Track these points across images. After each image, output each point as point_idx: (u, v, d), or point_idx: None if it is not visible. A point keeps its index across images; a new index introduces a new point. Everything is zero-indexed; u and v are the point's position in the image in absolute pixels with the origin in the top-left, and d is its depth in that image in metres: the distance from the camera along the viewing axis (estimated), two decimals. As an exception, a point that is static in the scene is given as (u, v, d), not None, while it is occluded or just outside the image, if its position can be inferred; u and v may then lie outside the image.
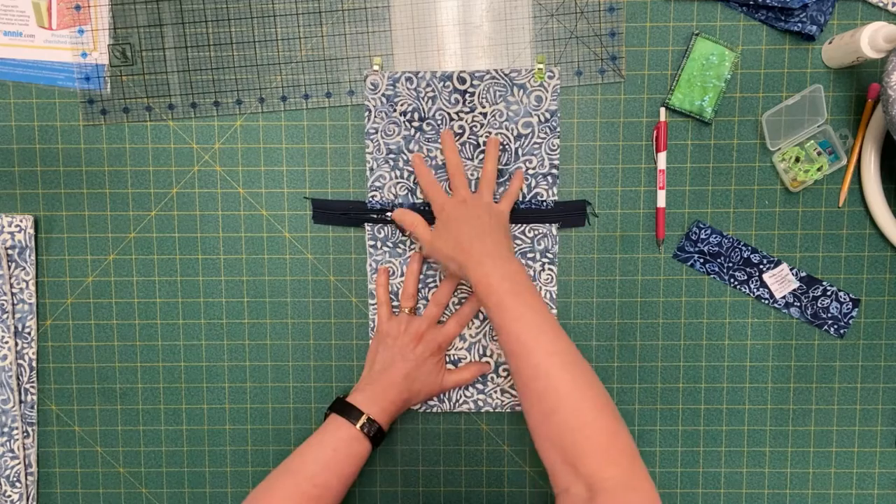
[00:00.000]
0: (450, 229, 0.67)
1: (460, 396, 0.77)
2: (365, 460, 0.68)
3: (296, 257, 0.77)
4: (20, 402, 0.78)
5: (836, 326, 0.76)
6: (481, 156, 0.74)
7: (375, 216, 0.75)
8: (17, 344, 0.77)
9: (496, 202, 0.72)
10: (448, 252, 0.67)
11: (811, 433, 0.78)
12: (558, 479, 0.60)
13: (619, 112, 0.75)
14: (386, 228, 0.75)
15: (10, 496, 0.77)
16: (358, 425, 0.67)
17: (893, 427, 0.78)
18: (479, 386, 0.77)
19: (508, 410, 0.77)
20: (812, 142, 0.73)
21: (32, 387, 0.78)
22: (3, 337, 0.76)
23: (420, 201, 0.75)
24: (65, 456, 0.79)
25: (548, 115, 0.74)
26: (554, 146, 0.74)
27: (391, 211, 0.74)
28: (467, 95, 0.74)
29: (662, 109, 0.74)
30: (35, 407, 0.78)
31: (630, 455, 0.58)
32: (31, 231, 0.76)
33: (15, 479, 0.77)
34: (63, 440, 0.79)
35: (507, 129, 0.74)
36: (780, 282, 0.76)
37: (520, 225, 0.75)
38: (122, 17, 0.74)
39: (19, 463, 0.77)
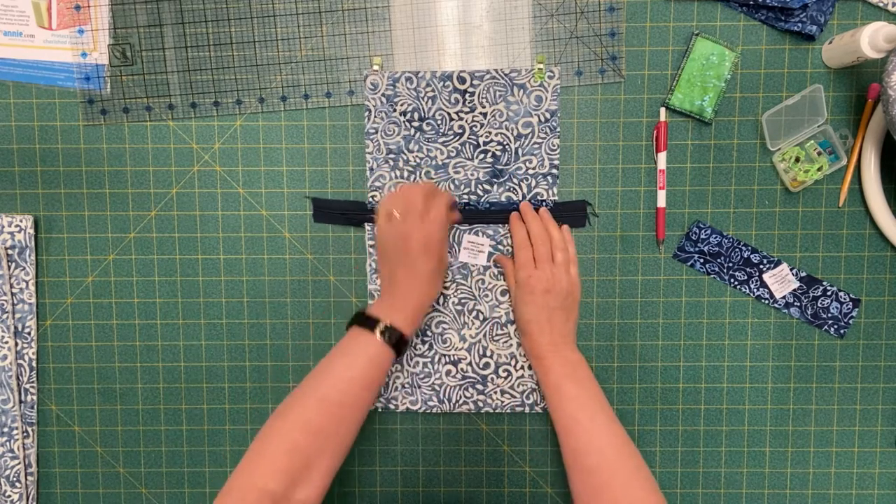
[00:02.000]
0: (528, 306, 0.71)
1: (460, 397, 0.77)
2: (388, 369, 0.67)
3: (296, 257, 0.77)
4: (20, 402, 0.78)
5: (836, 326, 0.76)
6: (482, 156, 0.74)
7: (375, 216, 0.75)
8: (17, 344, 0.77)
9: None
10: (521, 324, 0.72)
11: (811, 433, 0.78)
12: None
13: (619, 112, 0.75)
14: (386, 228, 0.75)
15: (10, 496, 0.77)
16: (377, 333, 0.66)
17: (893, 427, 0.78)
18: (479, 387, 0.77)
19: (508, 411, 0.77)
20: (812, 142, 0.73)
21: (32, 387, 0.78)
22: (3, 337, 0.76)
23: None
24: (65, 456, 0.79)
25: (548, 115, 0.74)
26: (554, 146, 0.74)
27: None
28: (467, 95, 0.74)
29: (662, 109, 0.74)
30: (35, 407, 0.78)
31: None
32: (31, 231, 0.76)
33: (15, 479, 0.77)
34: (63, 440, 0.79)
35: (507, 129, 0.74)
36: (780, 282, 0.76)
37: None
38: (122, 17, 0.74)
39: (19, 463, 0.77)
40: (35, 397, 0.78)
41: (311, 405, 0.63)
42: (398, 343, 0.66)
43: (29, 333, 0.77)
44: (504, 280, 0.76)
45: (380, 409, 0.77)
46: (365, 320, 0.67)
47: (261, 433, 0.62)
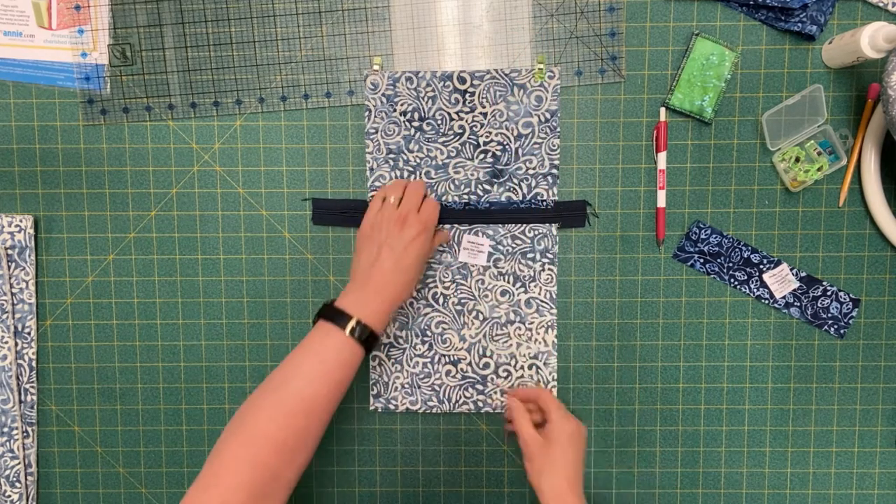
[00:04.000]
0: (556, 464, 0.66)
1: (460, 397, 0.77)
2: (357, 367, 0.64)
3: (296, 257, 0.77)
4: (20, 402, 0.78)
5: (836, 326, 0.76)
6: (482, 155, 0.74)
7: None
8: (17, 344, 0.77)
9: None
10: (537, 478, 0.66)
11: (811, 433, 0.78)
12: None
13: (619, 112, 0.75)
14: (386, 228, 0.75)
15: (10, 496, 0.77)
16: (347, 331, 0.62)
17: (893, 427, 0.78)
18: (479, 387, 0.77)
19: (508, 410, 0.77)
20: (812, 142, 0.73)
21: (32, 387, 0.78)
22: (3, 337, 0.76)
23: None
24: (65, 456, 0.79)
25: (548, 115, 0.74)
26: (554, 146, 0.74)
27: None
28: (467, 95, 0.74)
29: (662, 109, 0.74)
30: (35, 407, 0.78)
31: None
32: (31, 231, 0.76)
33: (15, 479, 0.77)
34: (63, 440, 0.79)
35: (507, 129, 0.74)
36: (780, 282, 0.76)
37: (519, 225, 0.75)
38: (122, 17, 0.74)
39: (19, 463, 0.77)
40: (35, 397, 0.78)
41: (275, 418, 0.59)
42: (368, 340, 0.64)
43: (29, 333, 0.77)
44: (498, 284, 0.76)
45: (380, 410, 0.77)
46: (334, 314, 0.64)
47: (220, 444, 0.59)
